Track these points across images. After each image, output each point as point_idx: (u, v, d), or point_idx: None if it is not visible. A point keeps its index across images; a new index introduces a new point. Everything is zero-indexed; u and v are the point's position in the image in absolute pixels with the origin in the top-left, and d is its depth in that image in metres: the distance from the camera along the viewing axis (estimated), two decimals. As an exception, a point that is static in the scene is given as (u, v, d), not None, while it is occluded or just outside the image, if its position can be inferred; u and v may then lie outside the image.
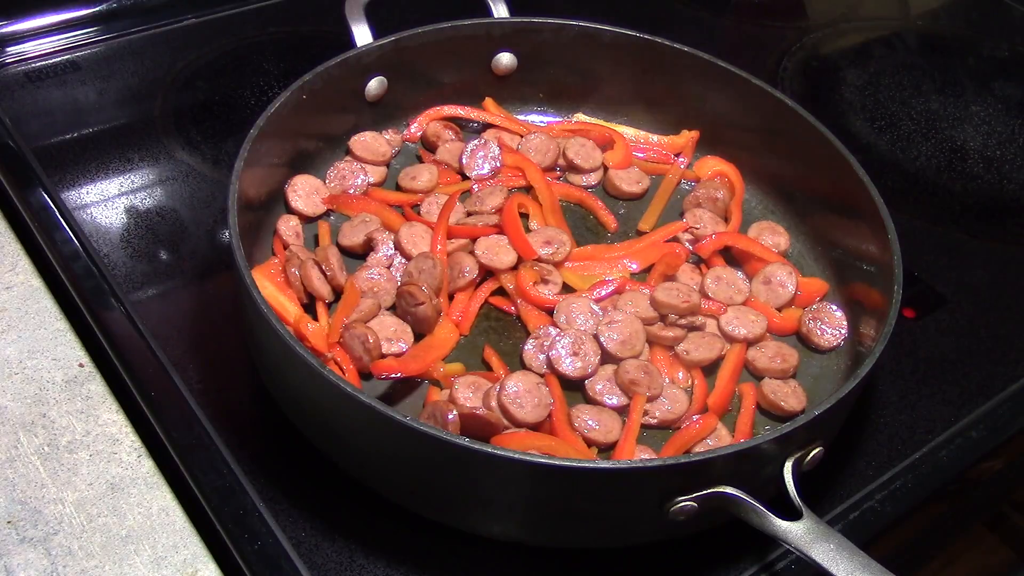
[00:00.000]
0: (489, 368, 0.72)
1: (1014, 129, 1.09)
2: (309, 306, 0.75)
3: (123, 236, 0.82)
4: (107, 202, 0.85)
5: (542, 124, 0.95)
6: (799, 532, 0.57)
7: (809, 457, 0.62)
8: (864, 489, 0.70)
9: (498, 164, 0.87)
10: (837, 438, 0.70)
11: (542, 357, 0.72)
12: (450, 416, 0.64)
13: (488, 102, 0.94)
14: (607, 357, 0.72)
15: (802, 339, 0.78)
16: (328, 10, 0.91)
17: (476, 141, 0.88)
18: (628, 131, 0.93)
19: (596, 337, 0.73)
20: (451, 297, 0.76)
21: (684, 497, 0.58)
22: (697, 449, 0.68)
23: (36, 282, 0.76)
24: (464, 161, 0.87)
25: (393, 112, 0.91)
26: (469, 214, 0.83)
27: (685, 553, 0.65)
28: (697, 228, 0.84)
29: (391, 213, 0.82)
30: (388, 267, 0.78)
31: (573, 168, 0.90)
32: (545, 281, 0.78)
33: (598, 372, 0.72)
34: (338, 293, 0.75)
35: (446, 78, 0.92)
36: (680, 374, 0.73)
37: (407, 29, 0.86)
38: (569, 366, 0.71)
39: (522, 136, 0.91)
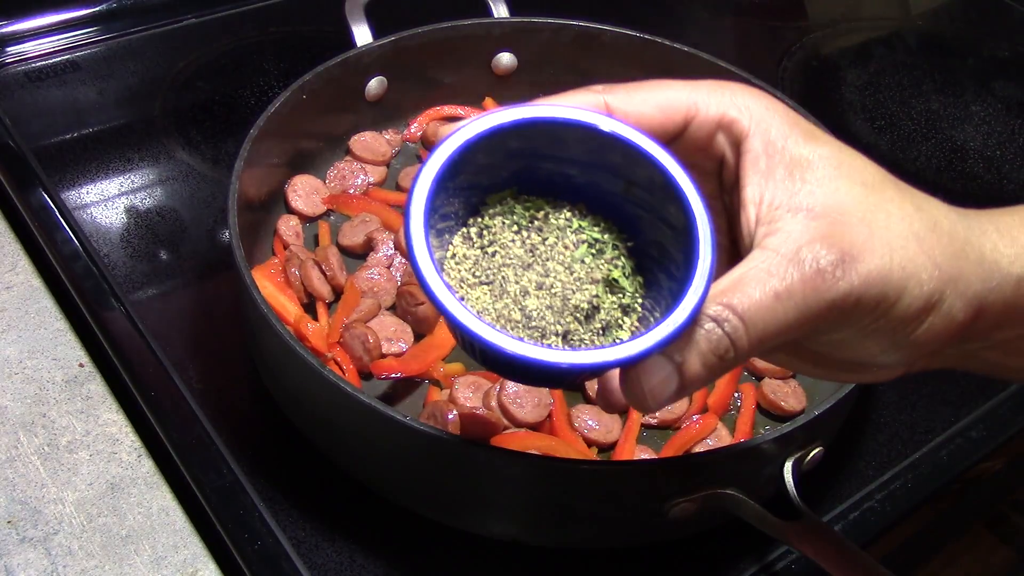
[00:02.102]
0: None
1: (1014, 129, 1.09)
2: (309, 306, 0.75)
3: (123, 236, 0.82)
4: (107, 202, 0.85)
5: (542, 124, 0.94)
6: (799, 532, 0.57)
7: (809, 457, 0.62)
8: (864, 489, 0.70)
9: (498, 164, 0.87)
10: (837, 438, 0.70)
11: (542, 357, 0.72)
12: (450, 416, 0.64)
13: (488, 102, 0.94)
14: (607, 357, 0.72)
15: (802, 339, 0.78)
16: (328, 10, 0.91)
17: (476, 141, 0.88)
18: (628, 131, 0.93)
19: (596, 337, 0.73)
20: (451, 297, 0.76)
21: (684, 497, 0.58)
22: (697, 449, 0.68)
23: (36, 282, 0.76)
24: (464, 161, 0.87)
25: (393, 112, 0.91)
26: (469, 214, 0.83)
27: (685, 553, 0.65)
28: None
29: (391, 213, 0.82)
30: (388, 267, 0.78)
31: (573, 168, 0.90)
32: (545, 281, 0.78)
33: (598, 372, 0.72)
34: (338, 293, 0.75)
35: (446, 78, 0.92)
36: (680, 374, 0.73)
37: (407, 29, 0.86)
38: (569, 366, 0.71)
39: (522, 136, 0.91)
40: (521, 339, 0.38)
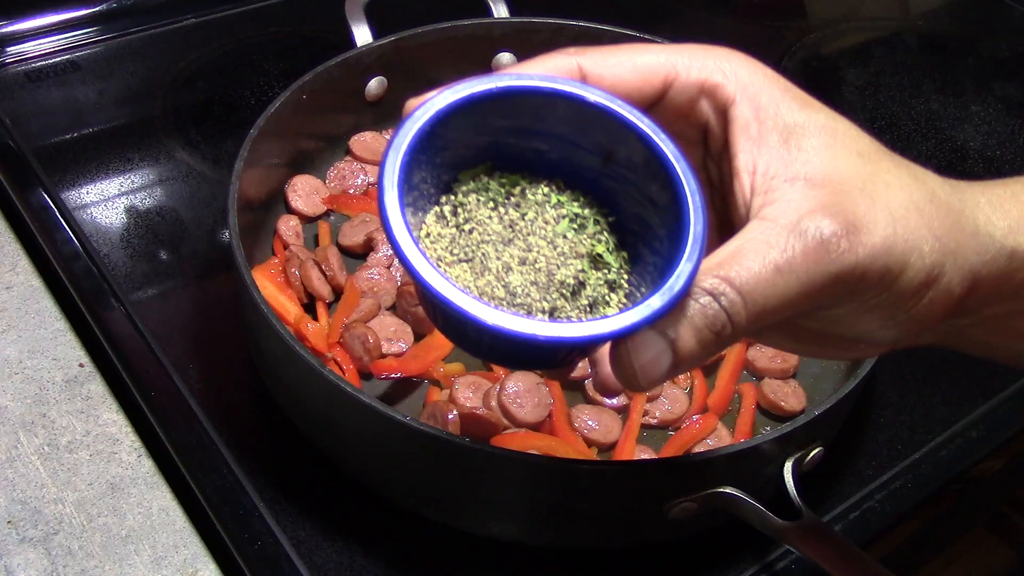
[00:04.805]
0: (489, 368, 0.72)
1: (1014, 129, 1.09)
2: (309, 306, 0.75)
3: (123, 236, 0.82)
4: (107, 202, 0.85)
5: (542, 124, 0.94)
6: (799, 532, 0.57)
7: (809, 457, 0.62)
8: (864, 489, 0.70)
9: (498, 164, 0.87)
10: (837, 438, 0.70)
11: (542, 357, 0.72)
12: (450, 416, 0.64)
13: (488, 102, 0.93)
14: (607, 357, 0.72)
15: (802, 339, 0.78)
16: (328, 10, 0.91)
17: (476, 141, 0.88)
18: (628, 131, 0.93)
19: (596, 337, 0.73)
20: (451, 297, 0.76)
21: (684, 497, 0.58)
22: (697, 449, 0.68)
23: (36, 282, 0.76)
24: (464, 161, 0.87)
25: (393, 112, 0.91)
26: (469, 214, 0.83)
27: (685, 553, 0.65)
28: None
29: (391, 213, 0.82)
30: (388, 267, 0.78)
31: (573, 168, 0.89)
32: (545, 281, 0.78)
33: (598, 372, 0.72)
34: (338, 293, 0.75)
35: (446, 78, 0.91)
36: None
37: (407, 29, 0.86)
38: (569, 366, 0.71)
39: (522, 136, 0.91)
40: (511, 313, 0.35)
